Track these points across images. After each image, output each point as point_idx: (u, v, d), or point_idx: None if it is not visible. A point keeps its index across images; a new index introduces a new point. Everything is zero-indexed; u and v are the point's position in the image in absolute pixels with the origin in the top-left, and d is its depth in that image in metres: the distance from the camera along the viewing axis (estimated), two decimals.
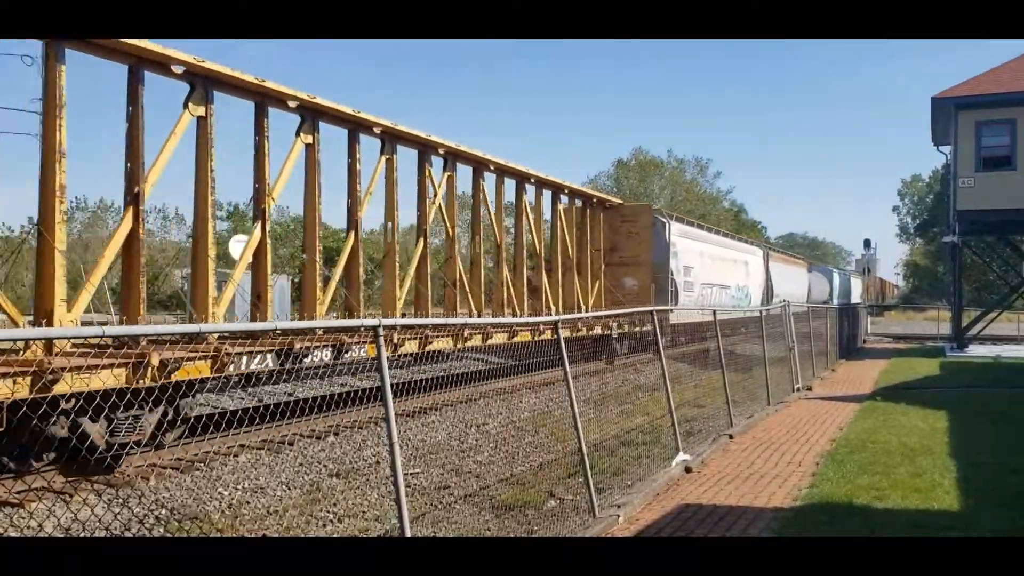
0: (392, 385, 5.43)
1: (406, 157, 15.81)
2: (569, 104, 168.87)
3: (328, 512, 8.30)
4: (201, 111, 11.05)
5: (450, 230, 17.66)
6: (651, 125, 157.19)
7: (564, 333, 7.97)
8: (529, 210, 20.40)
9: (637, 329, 21.63)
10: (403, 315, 15.84)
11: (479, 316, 17.36)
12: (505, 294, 18.75)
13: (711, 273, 28.14)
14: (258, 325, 5.72)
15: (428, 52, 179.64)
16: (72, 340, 9.43)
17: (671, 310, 21.40)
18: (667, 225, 24.79)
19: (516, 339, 16.86)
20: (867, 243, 63.07)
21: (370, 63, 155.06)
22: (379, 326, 5.50)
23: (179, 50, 10.48)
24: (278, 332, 10.68)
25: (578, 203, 23.55)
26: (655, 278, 23.91)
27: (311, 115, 13.15)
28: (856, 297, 57.94)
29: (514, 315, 18.57)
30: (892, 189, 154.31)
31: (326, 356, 11.58)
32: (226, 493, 8.70)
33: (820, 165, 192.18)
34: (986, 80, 28.24)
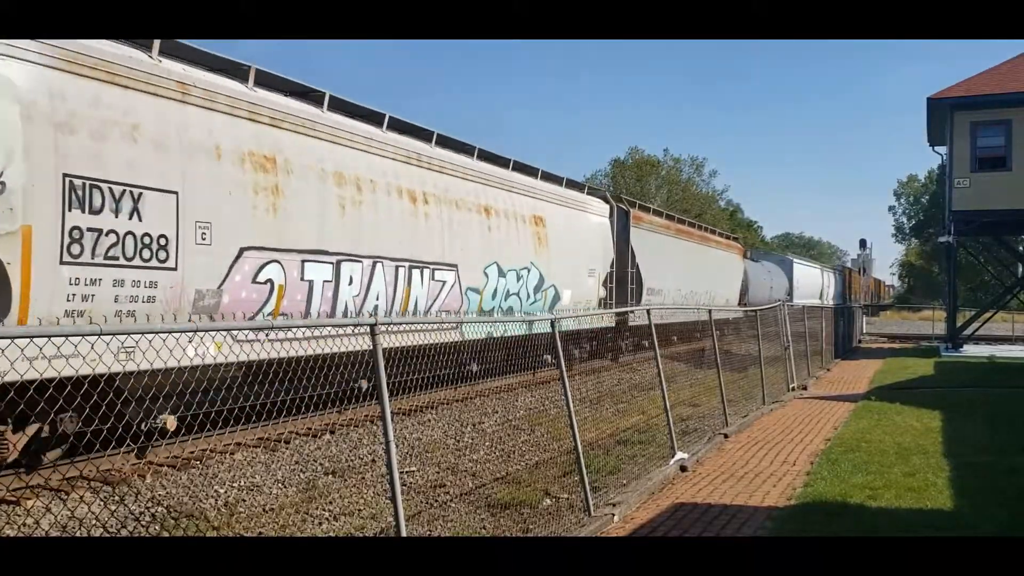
0: None
1: None
2: (566, 104, 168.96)
3: (324, 510, 8.31)
4: None
5: None
6: (648, 124, 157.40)
7: None
8: None
9: None
10: None
11: None
12: None
13: (387, 234, 12.13)
14: (255, 324, 5.70)
15: (425, 51, 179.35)
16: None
17: None
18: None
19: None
20: (863, 243, 63.34)
21: (370, 61, 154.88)
22: (375, 324, 5.52)
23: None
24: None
25: None
26: None
27: None
28: (834, 298, 48.58)
29: None
30: (888, 189, 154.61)
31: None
32: (222, 491, 8.70)
33: (816, 165, 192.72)
34: (982, 81, 28.28)
